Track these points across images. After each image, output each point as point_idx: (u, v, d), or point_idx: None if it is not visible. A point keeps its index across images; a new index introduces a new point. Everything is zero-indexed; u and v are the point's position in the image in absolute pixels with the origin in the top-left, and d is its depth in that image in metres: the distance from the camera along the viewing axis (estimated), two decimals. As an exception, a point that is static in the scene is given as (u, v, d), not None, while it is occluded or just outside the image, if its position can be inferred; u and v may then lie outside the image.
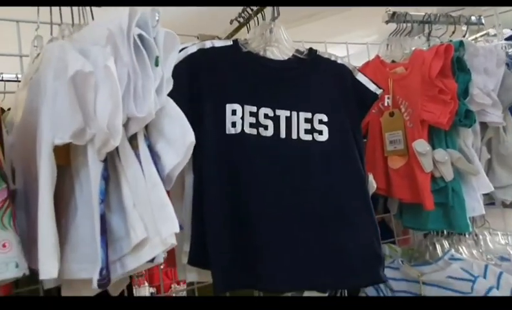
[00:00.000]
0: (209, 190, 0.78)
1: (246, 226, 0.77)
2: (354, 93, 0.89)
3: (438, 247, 1.01)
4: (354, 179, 0.83)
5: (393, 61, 1.12)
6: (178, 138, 0.67)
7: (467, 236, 1.07)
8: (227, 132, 0.81)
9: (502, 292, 0.86)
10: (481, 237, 1.07)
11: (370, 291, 1.14)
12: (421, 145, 0.94)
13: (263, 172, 0.79)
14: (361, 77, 0.90)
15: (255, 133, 0.82)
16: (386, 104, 1.08)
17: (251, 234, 0.77)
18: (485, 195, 1.12)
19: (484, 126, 1.05)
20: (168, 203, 0.64)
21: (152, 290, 2.85)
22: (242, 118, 0.82)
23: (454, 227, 0.96)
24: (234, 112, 0.82)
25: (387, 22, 1.13)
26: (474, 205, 0.96)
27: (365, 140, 1.18)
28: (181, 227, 0.67)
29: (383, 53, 1.14)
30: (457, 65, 0.93)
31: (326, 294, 0.83)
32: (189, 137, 0.66)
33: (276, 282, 0.75)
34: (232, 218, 0.77)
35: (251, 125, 0.82)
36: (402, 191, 1.02)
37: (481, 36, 1.19)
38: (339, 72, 0.90)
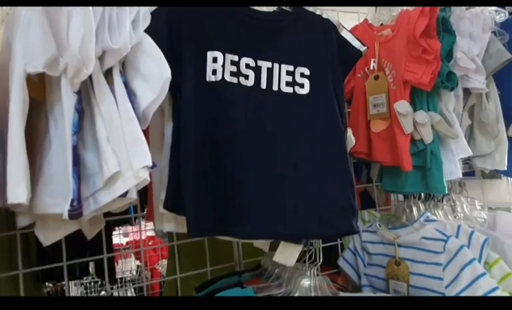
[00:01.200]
0: (187, 135, 0.78)
1: (221, 172, 0.77)
2: (338, 49, 0.89)
3: (415, 210, 1.02)
4: (332, 132, 0.83)
5: (381, 25, 1.11)
6: (154, 75, 0.67)
7: (444, 202, 1.09)
8: (207, 80, 0.80)
9: (472, 249, 0.88)
10: (457, 203, 1.08)
11: (348, 255, 1.16)
12: (402, 106, 0.94)
13: (241, 121, 0.79)
14: (345, 34, 0.90)
15: (236, 81, 0.81)
16: (371, 68, 1.08)
17: (226, 180, 0.77)
18: (465, 164, 1.14)
19: (467, 92, 1.05)
20: (141, 138, 0.64)
21: (139, 263, 2.88)
22: (223, 66, 0.81)
23: (430, 189, 0.97)
24: (215, 60, 0.81)
25: (377, -14, 1.11)
26: (452, 168, 0.97)
27: (350, 105, 1.19)
28: (154, 165, 0.67)
29: (372, 16, 1.13)
30: (442, 26, 0.93)
31: (301, 245, 0.83)
32: (165, 73, 0.66)
33: (247, 227, 0.75)
34: (208, 163, 0.77)
35: (232, 74, 0.81)
36: (382, 154, 1.02)
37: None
38: (323, 27, 0.89)
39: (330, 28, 0.89)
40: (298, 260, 0.91)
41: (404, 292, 0.98)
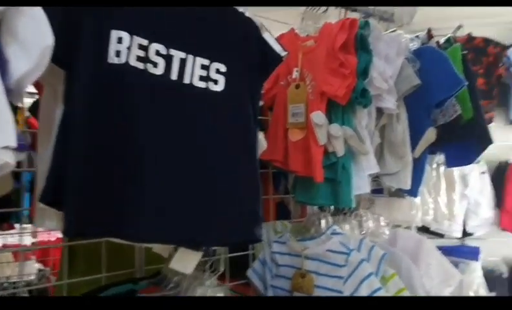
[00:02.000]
0: (77, 120, 0.68)
1: (115, 166, 0.68)
2: (258, 51, 0.86)
3: (324, 222, 1.02)
4: (243, 135, 0.79)
5: (307, 35, 1.12)
6: (33, 41, 0.57)
7: (352, 217, 1.11)
8: (108, 61, 0.71)
9: (372, 263, 0.89)
10: (364, 219, 1.11)
11: (257, 266, 1.13)
12: (318, 117, 0.94)
13: (143, 110, 0.71)
14: (267, 36, 0.87)
15: (142, 67, 0.73)
16: (294, 76, 1.07)
17: (119, 176, 0.68)
18: (374, 181, 1.18)
19: (380, 112, 1.09)
20: (5, 113, 0.54)
21: (41, 266, 2.59)
22: (129, 49, 0.72)
23: (339, 202, 0.97)
24: (120, 40, 0.72)
25: (303, -3, 1.12)
26: (361, 184, 0.99)
27: (271, 112, 1.17)
28: (25, 147, 0.57)
29: (298, 26, 1.13)
30: (360, 43, 0.95)
31: (200, 253, 0.77)
32: (46, 41, 0.56)
33: (139, 230, 0.67)
34: (99, 155, 0.67)
35: (139, 59, 0.73)
36: (297, 164, 1.01)
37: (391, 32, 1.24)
38: (245, 25, 0.85)
39: (252, 28, 0.86)
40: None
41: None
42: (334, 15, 1.15)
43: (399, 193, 1.23)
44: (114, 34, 0.72)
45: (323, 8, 1.13)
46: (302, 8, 1.17)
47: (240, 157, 0.77)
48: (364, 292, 0.85)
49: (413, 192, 1.15)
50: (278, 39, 1.12)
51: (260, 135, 0.82)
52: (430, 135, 1.10)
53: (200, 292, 0.81)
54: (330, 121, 0.97)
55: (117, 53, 0.72)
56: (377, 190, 1.29)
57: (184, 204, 0.71)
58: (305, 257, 1.00)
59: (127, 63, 0.72)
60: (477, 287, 1.41)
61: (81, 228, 0.66)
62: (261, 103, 1.02)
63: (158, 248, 0.86)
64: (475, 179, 2.63)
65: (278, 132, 1.07)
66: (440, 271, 0.92)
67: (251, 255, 1.31)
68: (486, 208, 2.59)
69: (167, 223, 0.69)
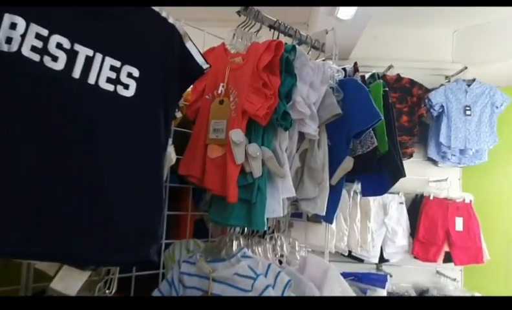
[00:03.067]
0: None
1: None
2: (179, 59, 0.81)
3: (235, 244, 0.99)
4: (149, 146, 0.73)
5: (237, 52, 1.10)
6: None
7: (267, 239, 1.09)
8: None
9: (276, 289, 0.87)
10: (279, 242, 1.10)
11: (164, 287, 1.05)
12: (236, 135, 0.92)
13: (30, 108, 0.63)
14: (190, 46, 0.83)
15: (37, 60, 0.65)
16: (219, 91, 1.04)
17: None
18: (293, 205, 1.18)
19: (301, 137, 1.10)
20: None
21: None
22: (23, 36, 0.64)
23: (252, 224, 0.95)
24: (13, 26, 0.64)
25: (239, 13, 1.11)
26: (275, 207, 0.98)
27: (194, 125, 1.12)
28: None
29: (229, 42, 1.11)
30: (285, 66, 0.95)
31: (87, 272, 0.69)
32: None
33: (5, 243, 0.58)
34: None
35: (34, 49, 0.65)
36: (213, 181, 0.98)
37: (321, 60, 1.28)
38: (167, 31, 0.81)
39: (175, 35, 0.82)
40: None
41: (210, 332, 0.91)
42: (266, 35, 1.15)
43: (316, 218, 1.25)
44: (7, 18, 0.63)
45: (256, 27, 1.12)
46: (236, 23, 1.16)
47: (145, 170, 0.71)
48: (266, 319, 0.83)
49: (328, 218, 1.17)
50: (209, 52, 1.10)
51: (170, 149, 0.77)
52: (347, 163, 1.14)
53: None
54: (250, 141, 0.95)
55: (8, 40, 0.63)
56: (297, 214, 1.30)
57: (70, 218, 0.63)
58: (213, 279, 0.95)
59: (19, 52, 0.64)
60: (382, 314, 1.47)
61: None
62: (180, 115, 0.97)
63: (42, 265, 0.76)
64: (393, 209, 2.81)
65: (198, 147, 1.03)
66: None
67: (161, 274, 1.23)
68: (402, 236, 2.77)
69: (51, 240, 0.60)
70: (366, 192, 1.37)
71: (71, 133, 0.66)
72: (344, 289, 0.94)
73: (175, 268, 1.04)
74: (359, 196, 1.49)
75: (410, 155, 2.82)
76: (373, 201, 2.75)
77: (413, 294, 2.68)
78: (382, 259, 2.65)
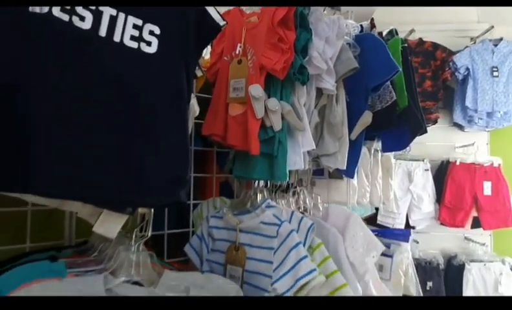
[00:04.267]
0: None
1: (25, 118, 0.64)
2: (196, 17, 0.84)
3: (260, 196, 1.03)
4: (174, 99, 0.77)
5: (253, 12, 1.12)
6: None
7: (290, 194, 1.13)
8: (29, 10, 0.67)
9: (300, 234, 0.91)
10: (302, 197, 1.14)
11: (194, 241, 1.12)
12: (255, 89, 0.95)
13: (66, 64, 0.68)
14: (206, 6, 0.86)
15: (67, 19, 0.70)
16: (237, 52, 1.07)
17: (29, 128, 0.64)
18: (314, 161, 1.21)
19: (319, 93, 1.12)
20: None
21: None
22: None
23: (275, 176, 0.99)
24: (44, -11, 0.69)
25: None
26: (296, 160, 1.01)
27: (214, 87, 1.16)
28: None
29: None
30: (300, 21, 0.97)
31: (125, 216, 0.75)
32: None
33: (46, 184, 0.64)
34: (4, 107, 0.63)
35: (64, 10, 0.70)
36: (235, 137, 1.02)
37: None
38: None
39: None
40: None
41: (238, 277, 0.97)
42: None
43: (337, 175, 1.27)
44: (38, -17, 0.68)
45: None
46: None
47: (169, 121, 0.76)
48: (291, 261, 0.87)
49: (349, 172, 1.19)
50: (224, 14, 1.13)
51: (193, 100, 0.81)
52: (366, 118, 1.15)
53: (122, 256, 0.79)
54: (269, 96, 0.98)
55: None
56: (318, 172, 1.33)
57: (104, 163, 0.68)
58: (240, 230, 1.00)
59: (50, 13, 0.69)
60: (406, 266, 1.49)
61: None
62: (200, 73, 1.02)
63: (83, 213, 0.83)
64: (419, 176, 2.78)
65: (220, 107, 1.07)
66: (364, 242, 0.96)
67: (191, 232, 1.30)
68: (427, 203, 2.75)
69: (79, 178, 0.66)
70: (386, 148, 1.37)
71: (98, 84, 0.71)
72: (366, 233, 0.97)
73: (204, 224, 1.10)
74: (379, 154, 1.49)
75: (435, 121, 2.76)
76: (398, 168, 2.74)
77: (441, 260, 2.67)
78: (408, 226, 2.65)
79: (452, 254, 2.75)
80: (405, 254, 1.49)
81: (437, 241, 2.82)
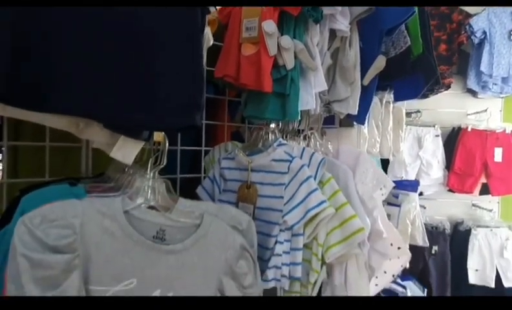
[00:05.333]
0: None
1: (47, 37, 0.66)
2: None
3: (271, 136, 1.04)
4: (188, 27, 0.78)
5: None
6: None
7: (301, 137, 1.14)
8: None
9: (311, 168, 0.93)
10: (312, 141, 1.15)
11: (206, 183, 1.14)
12: (269, 25, 0.94)
13: None
14: None
15: None
16: (250, -9, 1.06)
17: (52, 47, 0.66)
18: (325, 107, 1.21)
19: (333, 35, 1.11)
20: None
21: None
22: None
23: (287, 115, 0.99)
24: None
25: None
26: (308, 99, 1.01)
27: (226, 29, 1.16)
28: None
29: None
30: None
31: (141, 142, 0.77)
32: None
33: (64, 101, 0.66)
34: (30, 24, 0.64)
35: None
36: (248, 77, 1.02)
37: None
38: None
39: None
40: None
41: (250, 214, 0.99)
42: None
43: (348, 123, 1.28)
44: None
45: None
46: None
47: (185, 46, 0.76)
48: (302, 193, 0.89)
49: (360, 119, 1.19)
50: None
51: (207, 29, 0.81)
52: (380, 62, 1.14)
53: (138, 183, 0.81)
54: (282, 34, 0.98)
55: None
56: (329, 121, 1.33)
57: (121, 85, 0.70)
58: (251, 169, 1.02)
59: None
60: (413, 216, 1.51)
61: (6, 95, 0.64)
62: (213, 9, 1.01)
63: (101, 141, 0.85)
64: (429, 141, 2.77)
65: (232, 48, 1.06)
66: (374, 177, 0.97)
67: (203, 178, 1.33)
68: (436, 169, 2.75)
69: (96, 97, 0.68)
70: (398, 97, 1.37)
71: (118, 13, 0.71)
72: (376, 170, 0.98)
73: (216, 166, 1.13)
74: (391, 105, 1.49)
75: (448, 87, 2.71)
76: (408, 134, 2.72)
77: (447, 225, 2.69)
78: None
79: (459, 220, 2.77)
80: (413, 204, 1.51)
81: (444, 208, 2.84)
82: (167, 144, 0.84)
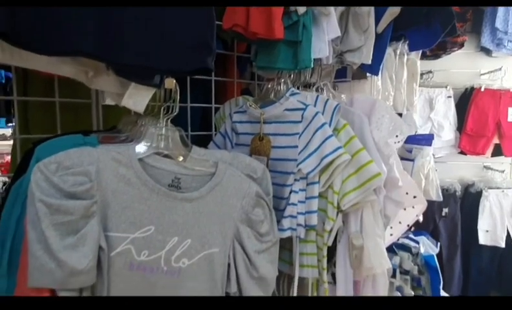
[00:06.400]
0: None
1: None
2: None
3: (283, 87, 1.02)
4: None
5: None
6: None
7: (313, 89, 1.12)
8: None
9: (326, 115, 0.91)
10: (325, 92, 1.12)
11: (218, 139, 1.13)
12: (280, -32, 0.90)
13: None
14: None
15: None
16: None
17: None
18: (338, 57, 1.17)
19: (346, -21, 1.06)
20: None
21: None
22: None
23: (299, 62, 0.97)
24: None
25: None
26: (321, 46, 0.98)
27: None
28: None
29: None
30: None
31: (152, 89, 0.76)
32: None
33: (76, 43, 0.64)
34: None
35: None
36: (258, 25, 0.98)
37: None
38: None
39: None
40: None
41: (264, 165, 0.99)
42: None
43: (361, 74, 1.24)
44: None
45: None
46: None
47: None
48: (316, 141, 0.87)
49: (374, 68, 1.16)
50: None
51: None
52: (394, 8, 1.09)
53: (151, 131, 0.80)
54: (293, -23, 0.94)
55: None
56: (341, 75, 1.30)
57: (132, 29, 0.68)
58: (264, 121, 1.00)
59: None
60: (427, 170, 1.50)
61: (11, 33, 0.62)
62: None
63: (110, 94, 0.84)
64: (440, 103, 2.71)
65: (241, -4, 1.03)
66: (390, 123, 0.95)
67: (213, 135, 1.32)
68: (448, 131, 2.70)
69: (108, 43, 0.66)
70: (413, 47, 1.32)
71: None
72: (392, 115, 0.96)
73: (227, 121, 1.11)
74: (405, 57, 1.44)
75: (461, 45, 2.63)
76: (419, 95, 2.67)
77: (458, 187, 2.68)
78: (427, 154, 2.63)
79: (470, 182, 2.75)
80: (427, 158, 1.49)
81: (455, 170, 2.81)
82: (178, 92, 0.82)
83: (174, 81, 0.82)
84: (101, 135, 0.87)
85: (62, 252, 0.67)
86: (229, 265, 0.81)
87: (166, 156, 0.81)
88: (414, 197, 1.07)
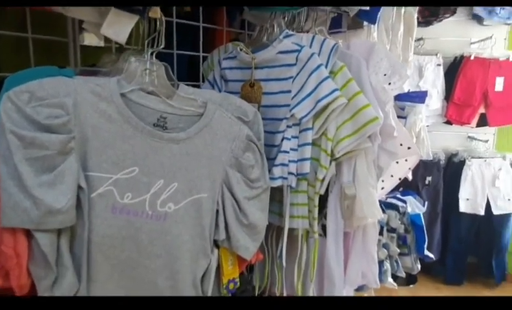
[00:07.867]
0: None
1: None
2: None
3: (277, 29, 0.96)
4: None
5: None
6: None
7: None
8: None
9: (322, 56, 0.86)
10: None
11: (205, 88, 1.07)
12: None
13: None
14: None
15: None
16: None
17: None
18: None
19: None
20: None
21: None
22: None
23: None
24: None
25: None
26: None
27: None
28: None
29: None
30: None
31: (135, 16, 0.69)
32: None
33: None
34: None
35: None
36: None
37: None
38: None
39: None
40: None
41: (254, 112, 0.94)
42: None
43: (357, 24, 1.19)
44: None
45: None
46: None
47: None
48: (311, 83, 0.83)
49: (372, 16, 1.11)
50: None
51: None
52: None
53: (134, 65, 0.74)
54: None
55: None
56: (336, 25, 1.24)
57: None
58: (255, 67, 0.94)
59: None
60: (419, 128, 1.48)
61: None
62: None
63: (88, 20, 0.76)
64: (430, 71, 2.69)
65: None
66: (388, 68, 0.91)
67: (201, 86, 1.26)
68: (436, 99, 2.70)
69: None
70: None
71: None
72: (391, 59, 0.92)
73: (216, 68, 1.05)
74: (403, 9, 1.39)
75: (454, 12, 2.59)
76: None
77: (442, 157, 2.70)
78: (413, 123, 2.63)
79: (454, 152, 2.77)
80: (419, 116, 1.47)
81: (440, 140, 2.82)
82: (164, 23, 0.75)
83: (159, 9, 0.75)
84: (78, 69, 0.80)
85: (37, 189, 0.62)
86: (217, 211, 0.78)
87: (151, 94, 0.75)
88: (408, 148, 1.05)
